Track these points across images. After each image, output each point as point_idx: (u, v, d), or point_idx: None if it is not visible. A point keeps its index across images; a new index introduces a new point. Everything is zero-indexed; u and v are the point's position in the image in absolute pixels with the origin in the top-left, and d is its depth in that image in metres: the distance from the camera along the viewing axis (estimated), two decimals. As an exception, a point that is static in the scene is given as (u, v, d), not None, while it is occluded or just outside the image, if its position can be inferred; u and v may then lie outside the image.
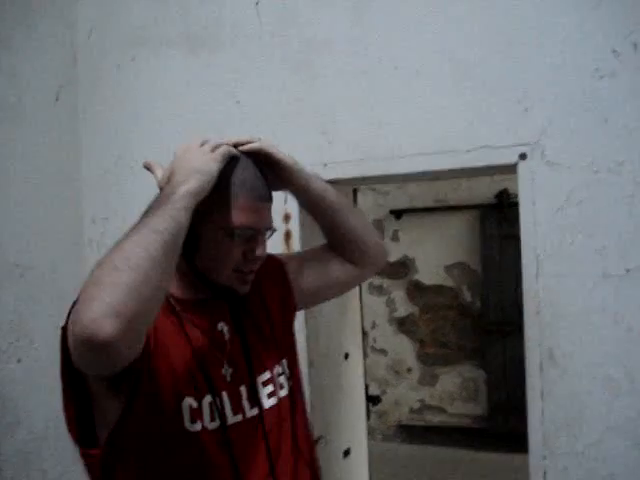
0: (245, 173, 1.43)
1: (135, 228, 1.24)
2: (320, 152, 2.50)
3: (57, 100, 2.84)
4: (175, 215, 1.25)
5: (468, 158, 2.30)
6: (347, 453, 2.75)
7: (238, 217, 1.39)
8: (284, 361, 1.58)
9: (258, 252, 1.42)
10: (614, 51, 2.15)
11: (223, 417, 1.41)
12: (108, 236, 2.90)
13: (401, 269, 6.11)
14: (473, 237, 5.84)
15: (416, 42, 2.38)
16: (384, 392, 6.23)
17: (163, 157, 2.75)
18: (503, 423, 5.70)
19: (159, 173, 1.49)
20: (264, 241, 1.45)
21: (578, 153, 2.19)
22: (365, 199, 5.87)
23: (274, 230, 1.49)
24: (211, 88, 2.69)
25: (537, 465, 2.25)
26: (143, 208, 2.50)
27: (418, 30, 2.37)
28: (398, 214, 6.06)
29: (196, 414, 1.38)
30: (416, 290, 6.12)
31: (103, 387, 1.32)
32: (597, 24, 2.17)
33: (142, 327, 1.16)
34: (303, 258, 1.82)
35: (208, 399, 1.40)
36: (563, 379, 2.21)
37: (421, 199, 5.97)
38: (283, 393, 1.54)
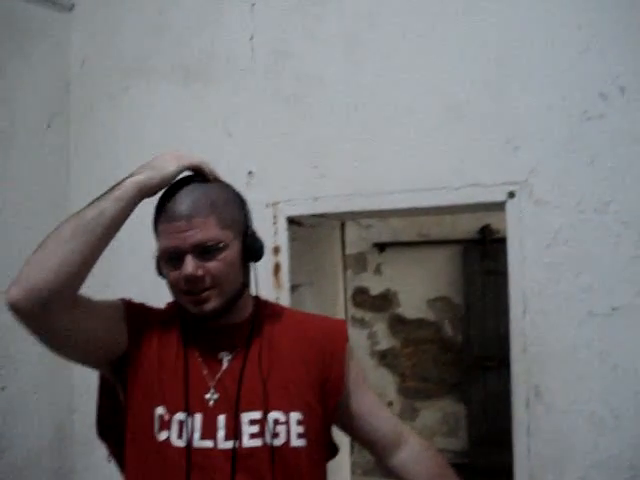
0: (177, 197, 1.45)
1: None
2: (311, 186, 2.52)
3: (48, 127, 2.85)
4: (101, 203, 1.40)
5: (457, 195, 2.33)
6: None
7: (161, 242, 1.45)
8: (294, 414, 1.49)
9: (185, 271, 1.40)
10: (602, 94, 2.20)
11: (190, 437, 1.42)
12: (95, 265, 2.90)
13: (383, 302, 6.12)
14: (456, 272, 5.86)
15: (407, 80, 2.42)
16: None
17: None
18: (483, 458, 5.68)
19: None
20: (193, 259, 1.40)
21: (565, 193, 2.23)
22: (349, 231, 5.87)
23: (219, 243, 1.43)
24: (203, 120, 2.71)
25: (522, 502, 2.26)
26: (131, 239, 2.49)
27: (410, 68, 2.42)
28: (381, 247, 6.09)
29: (164, 425, 1.43)
30: (398, 324, 6.12)
31: (116, 381, 1.48)
32: (586, 67, 2.22)
33: (48, 293, 1.32)
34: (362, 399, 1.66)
35: (180, 416, 1.43)
36: (549, 415, 2.23)
37: (404, 233, 6.00)
38: (276, 442, 1.45)
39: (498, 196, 2.28)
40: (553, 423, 2.23)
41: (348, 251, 5.47)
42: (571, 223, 2.22)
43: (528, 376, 2.25)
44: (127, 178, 1.44)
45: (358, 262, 6.12)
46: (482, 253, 5.68)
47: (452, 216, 5.79)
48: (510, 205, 2.27)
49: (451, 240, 5.86)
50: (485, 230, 5.65)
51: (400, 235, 6.03)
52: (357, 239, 6.08)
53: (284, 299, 2.53)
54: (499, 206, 2.31)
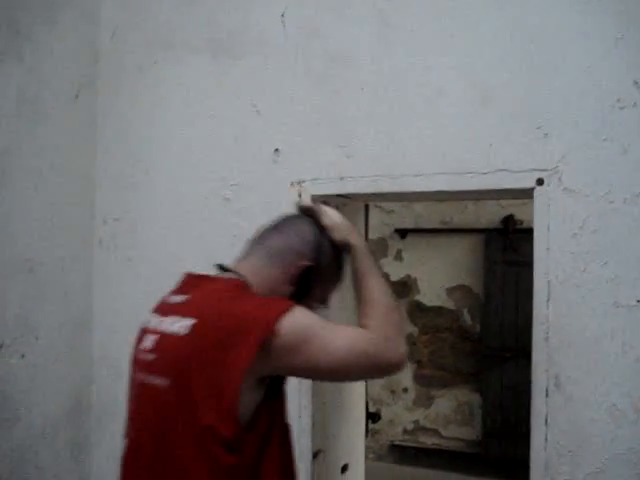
0: None
1: (375, 270, 1.84)
2: (337, 165, 2.51)
3: (77, 98, 2.86)
4: (378, 277, 1.85)
5: (485, 180, 2.31)
6: (345, 469, 2.74)
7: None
8: None
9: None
10: (636, 82, 2.16)
11: None
12: (118, 237, 2.91)
13: (403, 289, 6.10)
14: (476, 261, 5.84)
15: (439, 62, 2.39)
16: (379, 411, 6.22)
17: (179, 160, 2.77)
18: (496, 448, 5.68)
19: (325, 219, 1.85)
20: None
21: (595, 182, 2.19)
22: (371, 216, 5.87)
23: None
24: (232, 96, 2.70)
25: (538, 491, 2.25)
26: (155, 211, 2.53)
27: (442, 50, 2.39)
28: (403, 233, 6.07)
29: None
30: (417, 311, 6.11)
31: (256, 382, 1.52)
32: (621, 55, 2.18)
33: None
34: None
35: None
36: (568, 406, 2.21)
37: (427, 220, 5.98)
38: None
39: (526, 182, 2.25)
40: (572, 414, 2.21)
41: (370, 236, 5.47)
42: (599, 213, 2.19)
43: (549, 365, 2.23)
44: (360, 244, 1.84)
45: (379, 247, 6.10)
46: (504, 243, 5.65)
47: (475, 204, 5.76)
48: (538, 192, 2.24)
49: (473, 229, 5.83)
50: (508, 220, 5.62)
51: (422, 222, 6.01)
52: (379, 224, 6.06)
53: (305, 278, 2.52)
54: (527, 193, 2.28)
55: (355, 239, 1.82)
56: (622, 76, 2.18)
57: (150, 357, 1.63)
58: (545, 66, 2.26)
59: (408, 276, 6.12)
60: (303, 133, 2.57)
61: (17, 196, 2.58)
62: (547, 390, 2.23)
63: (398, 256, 6.15)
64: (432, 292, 6.04)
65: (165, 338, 1.60)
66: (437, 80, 2.39)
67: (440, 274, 5.99)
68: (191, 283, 1.76)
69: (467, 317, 5.96)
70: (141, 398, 1.66)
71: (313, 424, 2.55)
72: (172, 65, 2.83)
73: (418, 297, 6.11)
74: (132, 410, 1.72)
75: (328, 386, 2.75)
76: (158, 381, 1.57)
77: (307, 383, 2.54)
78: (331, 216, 1.85)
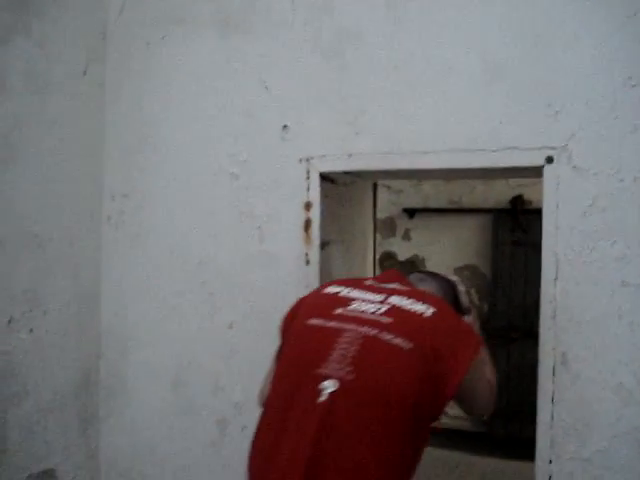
0: None
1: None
2: (346, 142, 2.50)
3: (85, 74, 2.85)
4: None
5: (494, 158, 2.30)
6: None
7: None
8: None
9: None
10: (648, 60, 2.15)
11: None
12: (126, 214, 2.92)
13: (411, 268, 6.10)
14: (485, 241, 5.83)
15: (450, 39, 2.37)
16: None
17: (187, 137, 2.77)
18: (503, 428, 5.70)
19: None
20: None
21: (605, 160, 2.18)
22: (379, 196, 5.86)
23: None
24: (240, 72, 2.69)
25: (543, 468, 2.25)
26: (163, 187, 2.54)
27: (452, 27, 2.37)
28: (411, 213, 6.06)
29: None
30: (424, 290, 6.11)
31: None
32: (632, 33, 2.16)
33: None
34: None
35: None
36: (575, 384, 2.21)
37: (435, 199, 5.97)
38: None
39: (536, 160, 2.24)
40: (578, 392, 2.21)
41: (378, 215, 5.46)
42: (609, 191, 2.18)
43: (556, 344, 2.23)
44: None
45: (387, 227, 6.10)
46: (512, 223, 5.63)
47: (484, 184, 5.75)
48: (548, 170, 2.23)
49: (482, 209, 5.82)
50: (517, 200, 5.60)
51: (430, 201, 6.00)
52: (387, 204, 6.05)
53: (313, 255, 2.53)
54: (536, 171, 2.27)
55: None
56: (633, 54, 2.16)
57: (388, 319, 1.82)
58: (556, 43, 2.24)
59: (416, 256, 6.12)
60: (312, 109, 2.56)
61: (26, 172, 2.58)
62: (554, 368, 2.23)
63: (406, 236, 6.15)
64: (440, 271, 6.03)
65: (404, 311, 1.86)
66: (447, 57, 2.38)
67: (448, 254, 5.98)
68: (387, 277, 2.13)
69: (475, 297, 5.96)
70: (367, 346, 1.77)
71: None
72: (180, 41, 2.82)
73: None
74: (345, 351, 1.78)
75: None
76: (399, 340, 1.76)
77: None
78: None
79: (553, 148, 2.23)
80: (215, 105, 2.73)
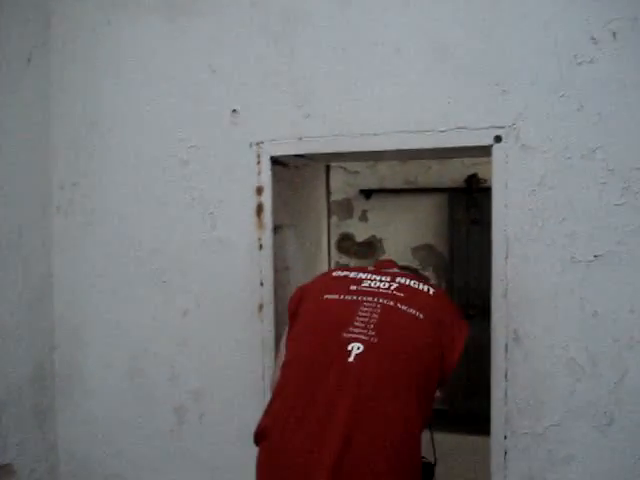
0: None
1: None
2: (296, 125, 2.48)
3: (29, 62, 2.78)
4: None
5: (443, 138, 2.30)
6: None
7: None
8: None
9: None
10: (593, 38, 2.16)
11: None
12: (76, 202, 2.87)
13: (368, 249, 6.11)
14: (441, 220, 5.86)
15: (397, 20, 2.37)
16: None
17: (136, 123, 2.73)
18: (463, 405, 5.76)
19: None
20: None
21: (553, 138, 2.20)
22: (335, 177, 5.85)
23: None
24: (187, 55, 2.65)
25: (498, 444, 2.28)
26: (112, 175, 2.49)
27: (400, 8, 2.36)
28: (368, 194, 6.06)
29: None
30: (382, 271, 6.12)
31: None
32: (578, 11, 2.18)
33: None
34: None
35: None
36: (527, 361, 2.24)
37: (391, 180, 5.97)
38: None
39: (484, 140, 2.25)
40: (531, 369, 2.24)
41: (334, 197, 5.46)
42: (557, 169, 2.20)
43: (508, 321, 2.25)
44: None
45: (344, 208, 6.10)
46: (468, 203, 5.66)
47: (439, 164, 5.76)
48: (496, 149, 2.25)
49: (438, 188, 5.83)
50: (472, 179, 5.63)
51: (387, 182, 6.00)
52: (343, 185, 6.04)
53: (266, 240, 2.51)
54: (485, 150, 2.28)
55: None
56: (579, 32, 2.18)
57: (400, 294, 2.11)
58: (503, 23, 2.25)
59: (373, 236, 6.12)
60: (261, 93, 2.54)
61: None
62: (506, 346, 2.26)
63: (363, 217, 6.15)
64: (397, 252, 6.05)
65: (412, 289, 2.17)
66: (394, 38, 2.37)
67: (405, 234, 6.00)
68: (387, 264, 2.48)
69: (432, 276, 5.99)
70: (386, 314, 2.03)
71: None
72: (126, 25, 2.76)
73: (384, 257, 6.12)
74: (361, 318, 2.03)
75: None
76: (413, 311, 2.04)
77: (269, 344, 2.54)
78: None
79: (501, 127, 2.24)
80: (163, 90, 2.69)
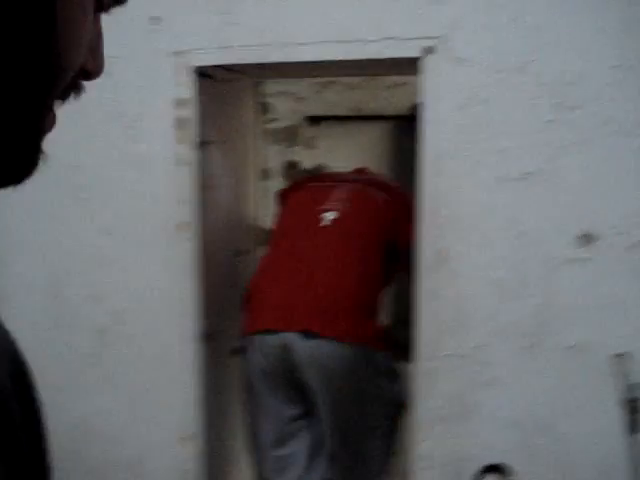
0: None
1: None
2: (219, 34, 2.34)
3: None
4: None
5: (372, 49, 2.19)
6: (236, 351, 2.69)
7: None
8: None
9: None
10: (529, -55, 2.06)
11: None
12: None
13: (314, 177, 6.01)
14: (387, 148, 5.77)
15: None
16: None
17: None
18: (402, 333, 5.77)
19: None
20: None
21: (485, 50, 2.11)
22: (280, 104, 5.71)
23: None
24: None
25: (423, 367, 2.24)
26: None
27: None
28: (314, 121, 5.93)
29: None
30: (328, 199, 6.04)
31: None
32: None
33: None
34: None
35: None
36: (453, 281, 2.18)
37: (338, 107, 5.84)
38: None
39: (414, 51, 2.15)
40: (457, 289, 2.19)
41: (279, 124, 5.32)
42: (489, 83, 2.11)
43: (434, 240, 2.18)
44: None
45: (289, 135, 5.96)
46: (414, 131, 5.57)
47: (387, 91, 5.64)
48: (427, 62, 2.15)
49: (385, 116, 5.73)
50: (417, 107, 5.53)
51: (334, 109, 5.87)
52: (288, 112, 5.89)
53: (188, 155, 2.39)
54: (417, 63, 2.18)
55: None
56: (515, -63, 2.07)
57: (367, 182, 2.80)
58: None
59: (320, 164, 6.02)
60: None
61: None
62: (432, 265, 2.19)
63: (310, 144, 6.02)
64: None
65: (379, 181, 2.88)
66: (324, -59, 2.24)
67: (352, 161, 5.87)
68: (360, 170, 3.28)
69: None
70: (357, 192, 2.67)
71: (204, 306, 2.49)
72: None
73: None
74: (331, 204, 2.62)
75: (219, 268, 2.68)
76: (380, 194, 2.66)
77: (191, 264, 2.45)
78: None
79: (432, 38, 2.14)
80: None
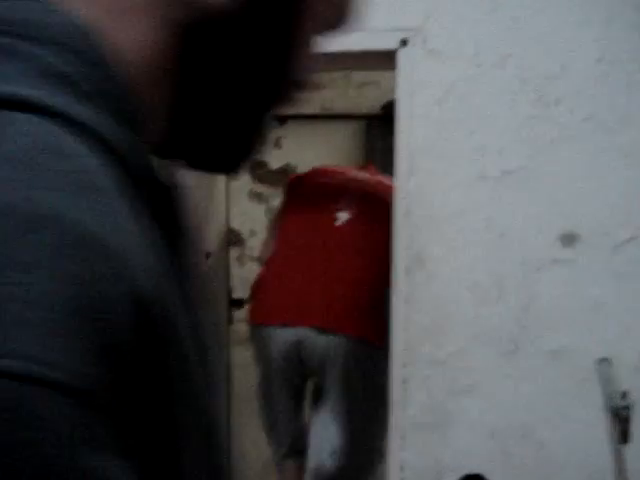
0: None
1: None
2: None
3: None
4: None
5: (344, 41, 2.09)
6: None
7: None
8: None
9: None
10: None
11: None
12: None
13: (283, 177, 5.90)
14: (358, 148, 5.69)
15: None
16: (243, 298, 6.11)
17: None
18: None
19: None
20: None
21: (462, 43, 2.02)
22: (248, 102, 5.61)
23: None
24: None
25: (398, 373, 2.14)
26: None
27: None
28: (282, 120, 5.83)
29: None
30: (297, 199, 5.95)
31: None
32: None
33: None
34: None
35: None
36: (429, 284, 2.09)
37: (307, 106, 5.75)
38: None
39: (389, 43, 2.05)
40: (434, 292, 2.10)
41: (246, 122, 5.20)
42: (466, 77, 2.03)
43: (410, 241, 2.09)
44: None
45: (257, 134, 5.87)
46: (385, 130, 5.49)
47: (357, 90, 5.57)
48: (402, 54, 2.05)
49: (355, 115, 5.65)
50: (390, 106, 5.45)
51: (302, 108, 5.77)
52: (255, 109, 5.81)
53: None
54: (390, 56, 2.08)
55: None
56: None
57: (372, 182, 2.89)
58: None
59: (288, 164, 5.92)
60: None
61: None
62: (408, 268, 2.10)
63: (277, 143, 5.92)
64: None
65: (380, 182, 2.83)
66: None
67: (320, 161, 5.79)
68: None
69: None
70: (369, 200, 2.70)
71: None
72: None
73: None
74: None
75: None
76: (388, 197, 2.44)
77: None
78: None
79: (408, 30, 2.05)
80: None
